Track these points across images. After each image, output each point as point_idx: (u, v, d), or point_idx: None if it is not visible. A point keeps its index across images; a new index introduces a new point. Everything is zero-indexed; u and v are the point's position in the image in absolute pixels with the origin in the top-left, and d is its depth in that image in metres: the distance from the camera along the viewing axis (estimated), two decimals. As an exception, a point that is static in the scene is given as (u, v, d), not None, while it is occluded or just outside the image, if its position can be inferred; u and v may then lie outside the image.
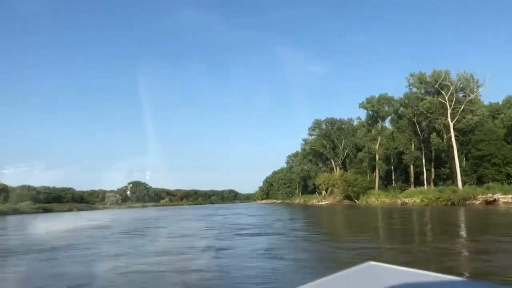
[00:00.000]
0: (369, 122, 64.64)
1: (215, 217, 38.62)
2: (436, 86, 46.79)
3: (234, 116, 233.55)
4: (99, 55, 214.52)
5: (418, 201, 45.04)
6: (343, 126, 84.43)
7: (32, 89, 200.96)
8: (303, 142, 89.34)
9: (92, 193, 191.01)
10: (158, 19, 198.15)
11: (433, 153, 57.26)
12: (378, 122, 62.92)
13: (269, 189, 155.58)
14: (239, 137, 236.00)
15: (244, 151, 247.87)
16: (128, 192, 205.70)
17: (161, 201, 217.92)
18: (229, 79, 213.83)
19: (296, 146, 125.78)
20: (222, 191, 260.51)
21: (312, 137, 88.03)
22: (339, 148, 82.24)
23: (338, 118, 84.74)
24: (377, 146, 61.03)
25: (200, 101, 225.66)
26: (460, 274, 7.84)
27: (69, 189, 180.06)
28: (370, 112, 62.11)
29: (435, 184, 55.13)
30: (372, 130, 63.66)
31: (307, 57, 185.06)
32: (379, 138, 61.20)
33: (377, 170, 61.35)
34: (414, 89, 53.18)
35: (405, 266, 1.75)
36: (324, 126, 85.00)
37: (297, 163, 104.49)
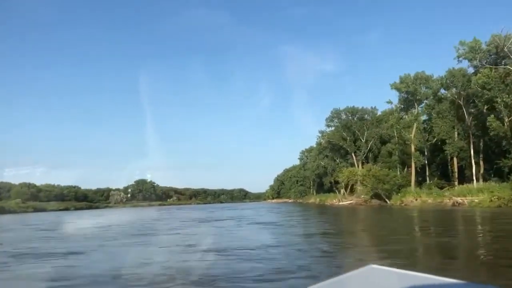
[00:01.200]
0: (402, 106, 53.41)
1: (203, 228, 27.86)
2: (505, 49, 35.68)
3: (244, 115, 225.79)
4: (104, 55, 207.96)
5: (476, 201, 34.16)
6: (366, 116, 73.52)
7: (33, 89, 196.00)
8: (319, 135, 78.61)
9: (97, 191, 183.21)
10: (159, 20, 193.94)
11: (481, 143, 46.16)
12: (413, 106, 51.67)
13: (280, 188, 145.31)
14: (250, 136, 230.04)
15: (255, 149, 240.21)
16: (134, 191, 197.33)
17: (168, 200, 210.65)
18: (233, 78, 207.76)
19: (310, 142, 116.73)
20: (232, 190, 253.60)
21: (330, 128, 77.33)
22: (361, 140, 71.31)
23: (360, 107, 73.88)
24: (412, 135, 49.92)
25: (209, 101, 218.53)
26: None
27: (74, 187, 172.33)
28: (404, 94, 50.98)
29: (485, 180, 44.09)
30: (406, 116, 52.36)
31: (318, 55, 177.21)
32: (414, 125, 50.05)
33: (413, 164, 50.21)
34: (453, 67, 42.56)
35: (406, 269, 1.70)
36: (343, 116, 74.16)
37: (312, 159, 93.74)
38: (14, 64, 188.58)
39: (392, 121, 53.00)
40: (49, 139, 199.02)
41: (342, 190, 79.58)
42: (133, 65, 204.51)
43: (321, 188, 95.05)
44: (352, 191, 75.82)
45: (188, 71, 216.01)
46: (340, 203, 61.65)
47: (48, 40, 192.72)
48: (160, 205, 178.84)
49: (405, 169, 56.52)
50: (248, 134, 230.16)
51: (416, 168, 50.84)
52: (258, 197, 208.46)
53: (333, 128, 75.94)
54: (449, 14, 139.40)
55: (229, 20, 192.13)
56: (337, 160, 78.81)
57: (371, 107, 73.47)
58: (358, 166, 71.74)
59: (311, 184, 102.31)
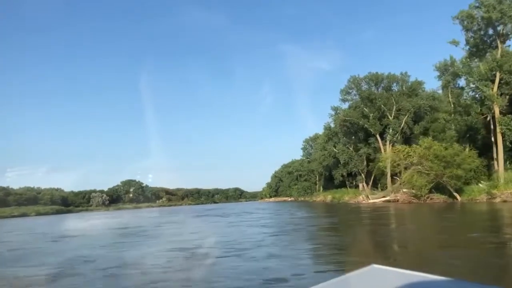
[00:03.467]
0: (474, 49, 33.63)
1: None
2: None
3: (239, 114, 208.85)
4: (103, 54, 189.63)
5: None
6: (394, 85, 54.26)
7: (30, 89, 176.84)
8: (332, 113, 58.56)
9: (78, 194, 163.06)
10: (160, 19, 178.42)
11: None
12: (492, 46, 32.12)
13: (278, 185, 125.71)
14: (245, 135, 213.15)
15: (250, 148, 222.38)
16: (121, 192, 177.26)
17: (157, 201, 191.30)
18: (234, 77, 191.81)
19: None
20: (227, 190, 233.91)
21: (345, 106, 57.83)
22: (387, 117, 52.10)
23: (386, 73, 54.43)
24: (494, 90, 30.40)
25: (204, 101, 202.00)
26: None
27: (48, 189, 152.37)
28: (479, 28, 31.22)
29: None
30: (480, 65, 32.36)
31: (313, 54, 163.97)
32: (497, 76, 30.56)
33: (499, 137, 30.59)
34: None
35: (408, 269, 1.66)
36: (365, 86, 54.81)
37: (319, 148, 74.27)
38: (12, 64, 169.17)
39: (463, 69, 32.85)
40: (47, 141, 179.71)
41: (362, 185, 60.31)
42: (132, 64, 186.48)
43: (330, 183, 75.57)
44: (375, 184, 56.52)
45: (186, 69, 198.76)
46: (371, 201, 42.13)
47: (47, 39, 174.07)
48: (147, 207, 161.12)
49: (467, 149, 37.15)
50: (244, 132, 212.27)
51: (505, 143, 31.07)
52: (254, 196, 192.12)
53: (351, 103, 56.39)
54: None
55: (229, 20, 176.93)
56: (348, 149, 59.36)
57: (401, 73, 54.05)
58: (385, 151, 52.44)
59: (317, 179, 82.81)
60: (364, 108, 53.61)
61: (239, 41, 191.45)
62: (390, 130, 50.67)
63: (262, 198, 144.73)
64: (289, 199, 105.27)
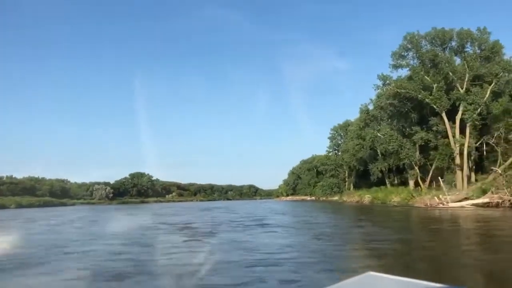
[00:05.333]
0: None
1: None
2: None
3: (256, 110, 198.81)
4: (101, 54, 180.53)
5: None
6: (468, 45, 38.50)
7: (27, 86, 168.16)
8: (379, 84, 42.41)
9: (82, 185, 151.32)
10: (160, 20, 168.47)
11: None
12: None
13: (296, 183, 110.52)
14: (264, 130, 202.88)
15: (267, 144, 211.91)
16: (128, 185, 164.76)
17: (167, 196, 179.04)
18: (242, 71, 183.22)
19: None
20: (241, 187, 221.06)
21: (399, 72, 42.08)
22: (458, 89, 36.61)
23: (456, 29, 38.65)
24: None
25: (225, 94, 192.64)
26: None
27: (49, 180, 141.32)
28: None
29: None
30: None
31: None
32: None
33: None
34: None
35: (404, 276, 1.61)
36: (426, 46, 39.14)
37: (352, 136, 58.81)
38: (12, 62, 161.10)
39: None
40: (49, 138, 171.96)
41: (412, 182, 44.77)
42: (131, 64, 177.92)
43: (364, 179, 60.20)
44: (434, 181, 41.05)
45: (188, 68, 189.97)
46: (453, 204, 26.77)
47: (47, 36, 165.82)
48: (155, 201, 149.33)
49: None
50: (260, 130, 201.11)
51: None
52: (269, 194, 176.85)
53: (407, 70, 40.84)
54: None
55: (237, 19, 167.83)
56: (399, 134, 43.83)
57: (478, 29, 38.11)
58: (455, 135, 36.94)
59: (346, 174, 67.32)
60: (425, 77, 38.09)
61: (244, 38, 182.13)
62: (468, 105, 34.97)
63: (278, 196, 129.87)
64: (308, 198, 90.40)
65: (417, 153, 43.35)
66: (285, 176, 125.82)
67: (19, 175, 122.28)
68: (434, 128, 38.90)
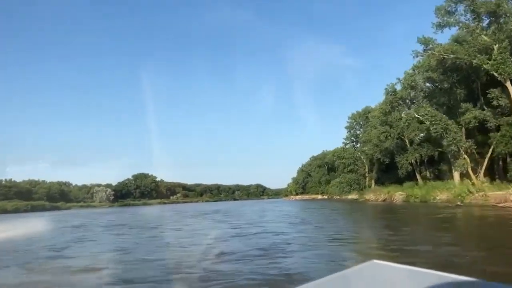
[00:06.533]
0: None
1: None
2: None
3: (264, 109, 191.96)
4: (106, 50, 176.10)
5: None
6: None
7: (33, 86, 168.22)
8: (420, 50, 32.03)
9: (82, 188, 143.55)
10: (162, 17, 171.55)
11: None
12: None
13: (306, 181, 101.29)
14: (270, 129, 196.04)
15: (274, 143, 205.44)
16: (131, 187, 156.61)
17: (172, 197, 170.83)
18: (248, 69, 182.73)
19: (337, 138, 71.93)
20: (248, 186, 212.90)
21: (437, 37, 32.42)
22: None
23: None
24: None
25: (230, 93, 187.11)
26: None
27: (46, 182, 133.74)
28: None
29: None
30: None
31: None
32: None
33: None
34: None
35: (409, 265, 1.58)
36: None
37: (375, 123, 49.21)
38: (13, 60, 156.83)
39: None
40: (52, 136, 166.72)
41: (457, 174, 35.07)
42: (132, 63, 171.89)
43: (387, 174, 50.61)
44: (492, 173, 31.53)
45: (190, 66, 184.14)
46: None
47: (49, 35, 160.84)
48: (159, 203, 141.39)
49: None
50: (266, 128, 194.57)
51: None
52: (277, 193, 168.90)
53: (457, 31, 31.21)
54: None
55: (246, 16, 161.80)
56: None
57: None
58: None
59: (367, 169, 57.64)
60: (482, 36, 28.49)
61: (252, 32, 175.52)
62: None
63: (286, 195, 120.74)
64: (320, 197, 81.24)
65: (464, 137, 33.87)
66: (294, 175, 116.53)
67: (19, 178, 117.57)
68: (495, 103, 29.24)
